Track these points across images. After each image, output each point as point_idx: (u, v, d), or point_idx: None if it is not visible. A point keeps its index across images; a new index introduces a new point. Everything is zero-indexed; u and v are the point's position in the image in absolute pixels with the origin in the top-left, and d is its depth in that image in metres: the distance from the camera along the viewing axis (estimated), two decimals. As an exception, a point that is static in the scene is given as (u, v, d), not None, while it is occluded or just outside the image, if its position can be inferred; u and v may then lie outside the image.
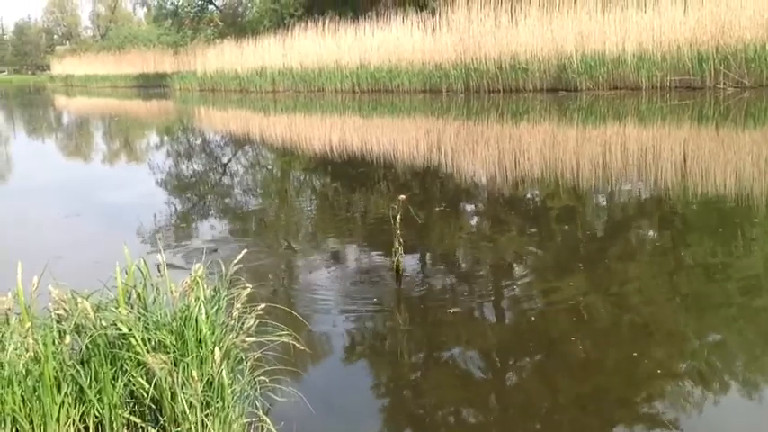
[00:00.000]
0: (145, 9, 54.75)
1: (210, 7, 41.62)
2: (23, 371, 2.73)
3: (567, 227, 7.04)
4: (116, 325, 2.92)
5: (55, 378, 2.74)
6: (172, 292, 3.06)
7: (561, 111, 17.44)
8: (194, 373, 2.74)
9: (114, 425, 2.81)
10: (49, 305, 3.09)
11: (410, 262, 5.63)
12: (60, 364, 2.80)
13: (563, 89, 20.41)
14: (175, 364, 2.79)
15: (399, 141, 14.40)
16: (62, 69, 64.50)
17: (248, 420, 2.97)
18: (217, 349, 2.83)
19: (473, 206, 8.61)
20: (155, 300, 3.10)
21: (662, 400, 3.45)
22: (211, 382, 2.83)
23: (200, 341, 2.90)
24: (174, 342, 2.88)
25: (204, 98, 32.99)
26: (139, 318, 2.97)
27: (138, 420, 2.85)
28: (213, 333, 2.95)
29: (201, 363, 2.86)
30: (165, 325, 2.93)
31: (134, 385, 2.87)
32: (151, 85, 45.22)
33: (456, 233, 7.02)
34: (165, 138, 19.94)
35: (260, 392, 3.05)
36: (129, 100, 39.07)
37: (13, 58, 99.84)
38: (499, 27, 22.11)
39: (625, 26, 19.59)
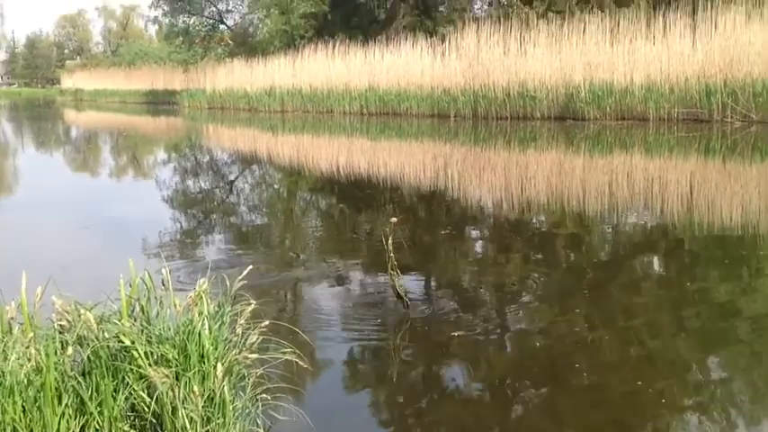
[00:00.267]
0: (156, 27, 55.19)
1: (221, 27, 41.96)
2: (25, 381, 2.71)
3: (572, 254, 7.01)
4: (119, 337, 2.91)
5: (56, 389, 2.72)
6: (175, 306, 3.05)
7: (568, 139, 17.47)
8: (196, 389, 2.72)
9: (114, 438, 2.79)
10: (52, 316, 3.08)
11: (412, 284, 5.61)
12: (62, 375, 2.78)
13: (570, 118, 20.44)
14: (177, 379, 2.78)
15: (406, 164, 14.44)
16: (72, 83, 65.10)
17: (249, 437, 2.94)
18: (219, 365, 2.82)
19: (478, 231, 8.60)
20: (158, 313, 3.09)
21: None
22: (213, 398, 2.81)
23: (202, 356, 2.89)
24: (177, 356, 2.87)
25: (213, 116, 33.18)
26: (142, 331, 2.97)
27: (138, 434, 2.83)
28: (216, 348, 2.94)
29: (203, 378, 2.85)
30: (167, 339, 2.92)
31: (135, 399, 2.85)
32: (160, 102, 45.56)
33: (460, 258, 7.00)
34: (173, 154, 20.04)
35: (261, 410, 3.03)
36: (138, 116, 39.34)
37: (23, 71, 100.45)
38: (508, 54, 22.20)
39: (633, 57, 19.66)
